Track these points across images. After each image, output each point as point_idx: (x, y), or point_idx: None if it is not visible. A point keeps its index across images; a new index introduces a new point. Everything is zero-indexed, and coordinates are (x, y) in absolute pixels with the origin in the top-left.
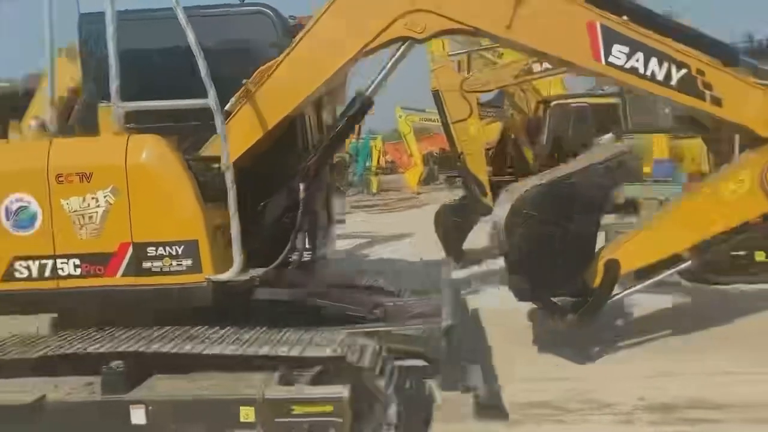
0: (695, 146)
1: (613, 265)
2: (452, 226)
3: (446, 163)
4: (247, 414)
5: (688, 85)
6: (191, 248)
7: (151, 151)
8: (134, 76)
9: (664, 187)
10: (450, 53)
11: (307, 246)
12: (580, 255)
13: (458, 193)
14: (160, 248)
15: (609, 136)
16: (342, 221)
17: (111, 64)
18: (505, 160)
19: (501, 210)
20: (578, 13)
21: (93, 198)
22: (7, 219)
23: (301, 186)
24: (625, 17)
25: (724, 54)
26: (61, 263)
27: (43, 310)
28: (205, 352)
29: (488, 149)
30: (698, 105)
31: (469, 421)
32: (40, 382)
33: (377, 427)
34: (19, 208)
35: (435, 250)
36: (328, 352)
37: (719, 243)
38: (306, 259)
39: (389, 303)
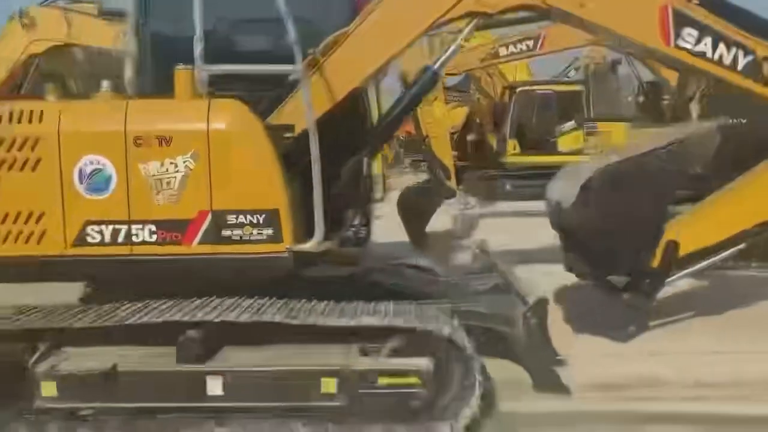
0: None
1: (671, 246)
2: (415, 209)
3: (411, 147)
4: (328, 385)
5: (753, 71)
6: (272, 217)
7: (235, 116)
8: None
9: None
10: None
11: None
12: (646, 237)
13: (424, 177)
14: (241, 216)
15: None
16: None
17: (196, 26)
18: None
19: (557, 188)
20: None
21: (172, 163)
22: (81, 181)
23: (365, 160)
24: (695, 1)
25: None
26: (136, 229)
27: (114, 276)
28: (290, 322)
29: (453, 133)
30: (761, 91)
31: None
32: (113, 351)
33: (458, 398)
34: (94, 170)
35: (399, 233)
36: (416, 323)
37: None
38: (362, 234)
39: (445, 280)
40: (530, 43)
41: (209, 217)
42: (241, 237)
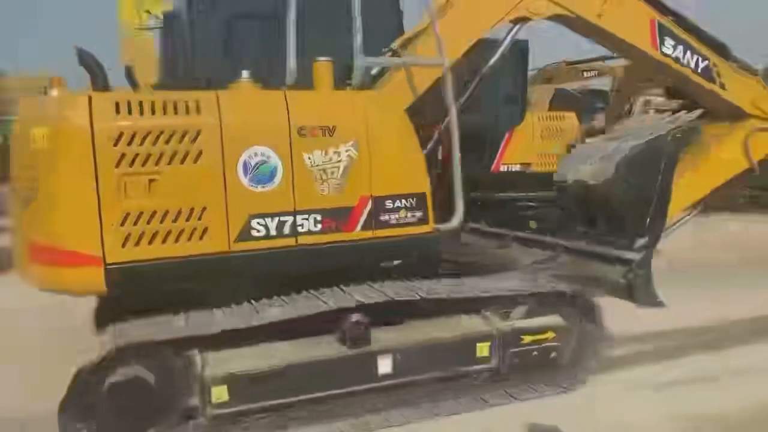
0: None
1: None
2: None
3: None
4: (482, 349)
5: (708, 73)
6: (421, 200)
7: (390, 106)
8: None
9: None
10: (144, 26)
11: None
12: (663, 204)
13: None
14: (397, 201)
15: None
16: None
17: (355, 19)
18: None
19: (569, 167)
20: (645, 10)
21: (335, 152)
22: (245, 174)
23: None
24: (670, 18)
25: (724, 51)
26: (302, 219)
27: (278, 270)
28: (457, 297)
29: None
30: (713, 89)
31: None
32: (280, 346)
33: (587, 347)
34: (259, 162)
35: None
36: (561, 287)
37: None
38: None
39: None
40: None
41: (369, 203)
42: (397, 220)
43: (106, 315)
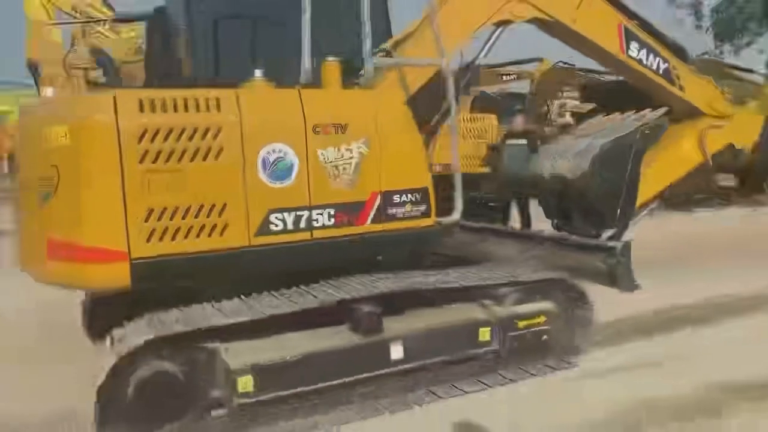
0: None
1: None
2: None
3: None
4: (484, 334)
5: (668, 75)
6: (424, 195)
7: (397, 104)
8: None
9: None
10: (51, 22)
11: None
12: (631, 195)
13: None
14: (403, 195)
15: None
16: None
17: (364, 23)
18: None
19: (543, 164)
20: (614, 15)
21: (347, 149)
22: (264, 170)
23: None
24: (635, 22)
25: (683, 54)
26: (317, 214)
27: (295, 263)
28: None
29: None
30: (672, 89)
31: None
32: (297, 336)
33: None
34: (277, 158)
35: None
36: (553, 275)
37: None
38: None
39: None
40: None
41: (379, 197)
42: (403, 214)
43: (105, 314)
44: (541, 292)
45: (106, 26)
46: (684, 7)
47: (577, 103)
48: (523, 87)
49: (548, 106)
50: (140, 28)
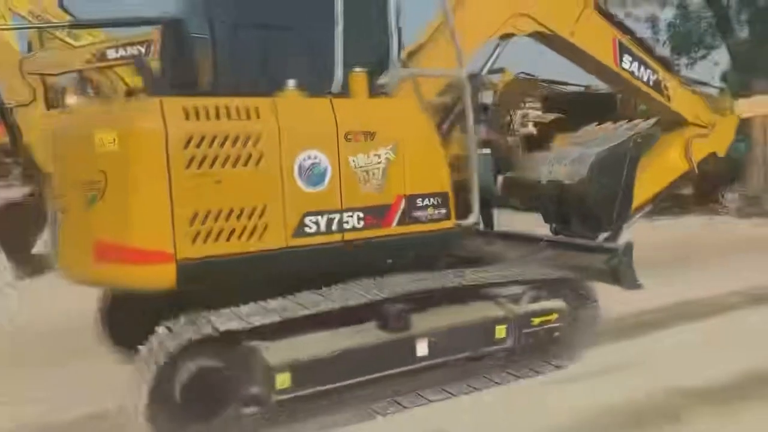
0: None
1: None
2: (15, 227)
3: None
4: (500, 331)
5: (657, 86)
6: (445, 198)
7: (421, 112)
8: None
9: None
10: (4, 26)
11: None
12: (626, 200)
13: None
14: (426, 199)
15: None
16: None
17: (391, 34)
18: None
19: (544, 170)
20: (609, 30)
21: (376, 155)
22: (300, 175)
23: None
24: (628, 37)
25: (669, 65)
26: (347, 217)
27: (328, 263)
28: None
29: None
30: (660, 99)
31: None
32: (327, 335)
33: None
34: (312, 164)
35: None
36: (564, 274)
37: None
38: None
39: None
40: (141, 47)
41: (404, 201)
42: (426, 217)
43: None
44: (556, 291)
45: (65, 31)
46: (641, 21)
47: (539, 113)
48: (487, 97)
49: (511, 116)
50: (100, 33)
